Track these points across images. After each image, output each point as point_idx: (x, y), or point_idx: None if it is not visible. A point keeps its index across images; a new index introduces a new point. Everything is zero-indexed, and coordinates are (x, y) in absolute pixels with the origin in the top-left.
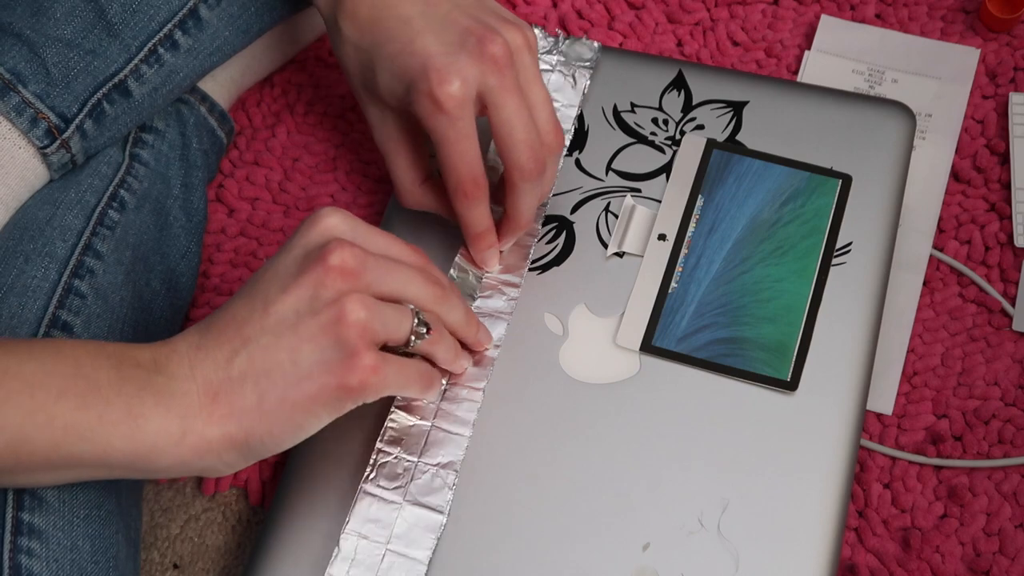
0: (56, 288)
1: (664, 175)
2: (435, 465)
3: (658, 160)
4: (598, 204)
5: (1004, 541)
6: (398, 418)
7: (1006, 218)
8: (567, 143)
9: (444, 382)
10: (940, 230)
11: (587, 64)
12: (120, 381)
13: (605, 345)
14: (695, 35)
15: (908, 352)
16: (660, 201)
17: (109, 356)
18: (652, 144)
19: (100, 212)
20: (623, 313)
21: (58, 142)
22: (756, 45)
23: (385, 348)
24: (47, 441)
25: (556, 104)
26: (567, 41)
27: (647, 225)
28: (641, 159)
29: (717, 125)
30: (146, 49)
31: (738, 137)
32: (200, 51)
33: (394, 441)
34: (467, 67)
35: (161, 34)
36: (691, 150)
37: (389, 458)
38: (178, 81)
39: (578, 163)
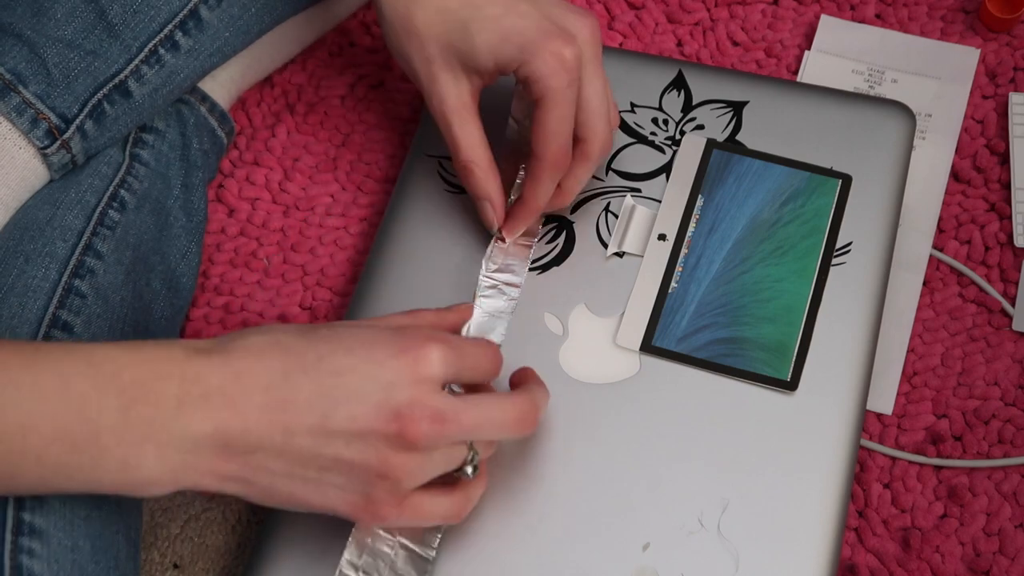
0: (56, 288)
1: (664, 175)
2: None
3: (658, 160)
4: (598, 204)
5: (1004, 541)
6: None
7: (1006, 218)
8: None
9: None
10: (940, 230)
11: None
12: (124, 427)
13: (605, 345)
14: (695, 35)
15: (908, 352)
16: (660, 201)
17: (123, 391)
18: (652, 144)
19: (100, 212)
20: (623, 313)
21: (58, 142)
22: (756, 45)
23: None
24: (35, 477)
25: None
26: None
27: (647, 225)
28: (641, 159)
29: (717, 125)
30: (146, 50)
31: (738, 137)
32: (200, 52)
33: None
34: (577, 34)
35: (162, 35)
36: (691, 150)
37: None
38: (178, 82)
39: None
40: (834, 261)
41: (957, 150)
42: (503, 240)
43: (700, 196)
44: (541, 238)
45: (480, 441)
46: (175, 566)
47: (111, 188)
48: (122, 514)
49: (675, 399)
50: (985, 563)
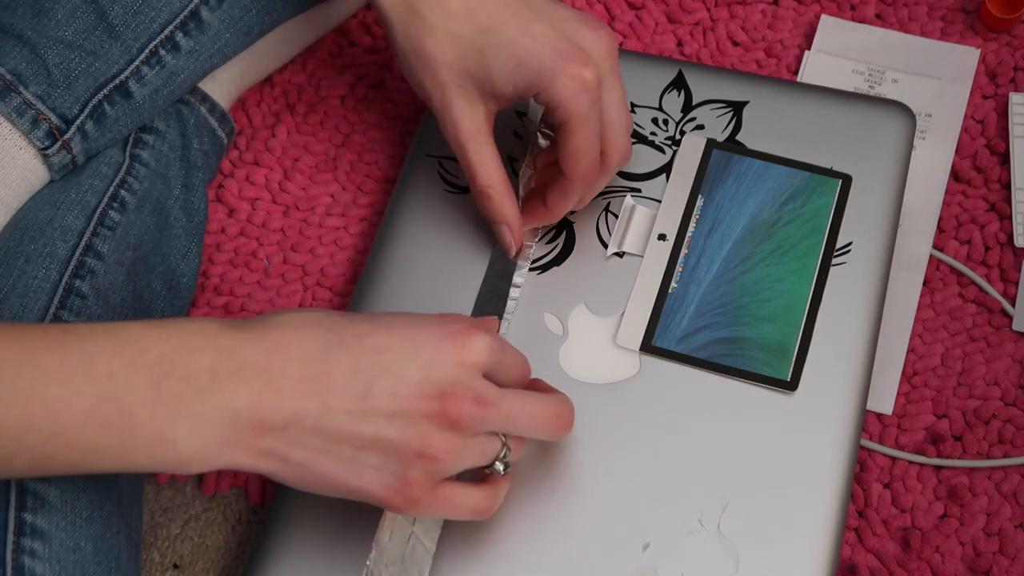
0: (57, 288)
1: (664, 175)
2: None
3: (658, 160)
4: (598, 204)
5: (1004, 541)
6: None
7: (1006, 218)
8: None
9: None
10: (940, 230)
11: None
12: (155, 402)
13: (605, 345)
14: (695, 35)
15: (908, 352)
16: (660, 201)
17: (153, 366)
18: (652, 144)
19: (101, 212)
20: (623, 313)
21: (59, 143)
22: (756, 45)
23: None
24: (69, 460)
25: None
26: None
27: (647, 225)
28: (641, 159)
29: (717, 125)
30: (147, 51)
31: (738, 137)
32: (201, 53)
33: None
34: (592, 51)
35: (162, 36)
36: (691, 150)
37: None
38: (179, 83)
39: None
40: (834, 261)
41: (957, 150)
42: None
43: (700, 196)
44: (541, 238)
45: (512, 438)
46: (175, 566)
47: (111, 188)
48: (123, 515)
49: (675, 399)
50: (985, 563)
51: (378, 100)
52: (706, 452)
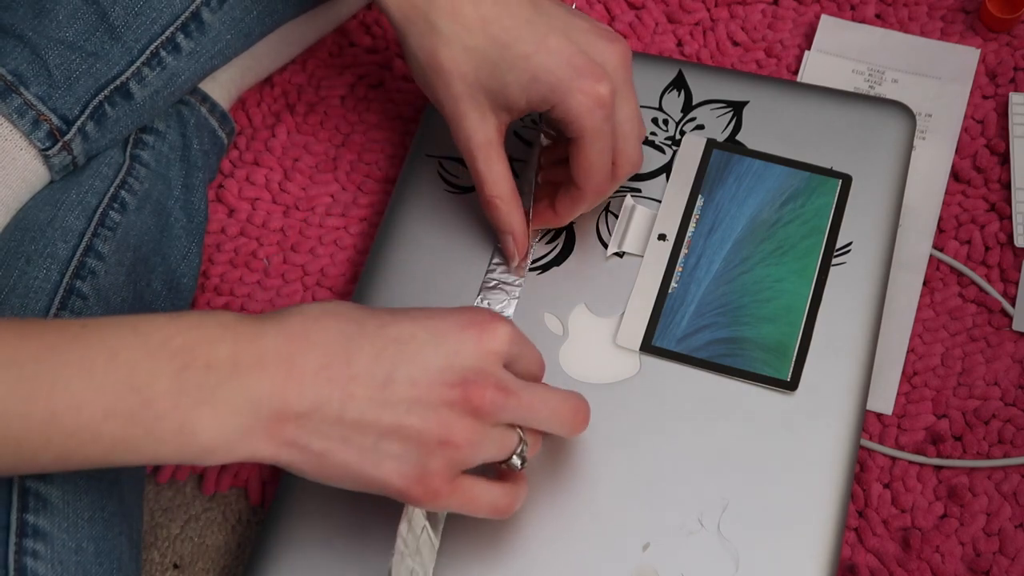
0: (58, 289)
1: (664, 175)
2: None
3: (658, 160)
4: (598, 204)
5: (1004, 541)
6: None
7: (1006, 218)
8: None
9: None
10: (940, 230)
11: None
12: (178, 391)
13: (605, 345)
14: (695, 35)
15: (908, 352)
16: (660, 201)
17: (174, 356)
18: (652, 144)
19: (101, 213)
20: (623, 313)
21: (59, 144)
22: (756, 45)
23: None
24: (91, 455)
25: None
26: None
27: (647, 225)
28: None
29: (717, 125)
30: (148, 52)
31: (738, 137)
32: (202, 54)
33: None
34: (607, 64)
35: (163, 37)
36: (691, 150)
37: None
38: (179, 84)
39: None
40: (834, 261)
41: (957, 150)
42: (518, 271)
43: (700, 196)
44: (541, 238)
45: (529, 433)
46: (175, 566)
47: (112, 189)
48: (125, 515)
49: (675, 399)
50: (985, 563)
51: (378, 100)
52: (706, 452)
